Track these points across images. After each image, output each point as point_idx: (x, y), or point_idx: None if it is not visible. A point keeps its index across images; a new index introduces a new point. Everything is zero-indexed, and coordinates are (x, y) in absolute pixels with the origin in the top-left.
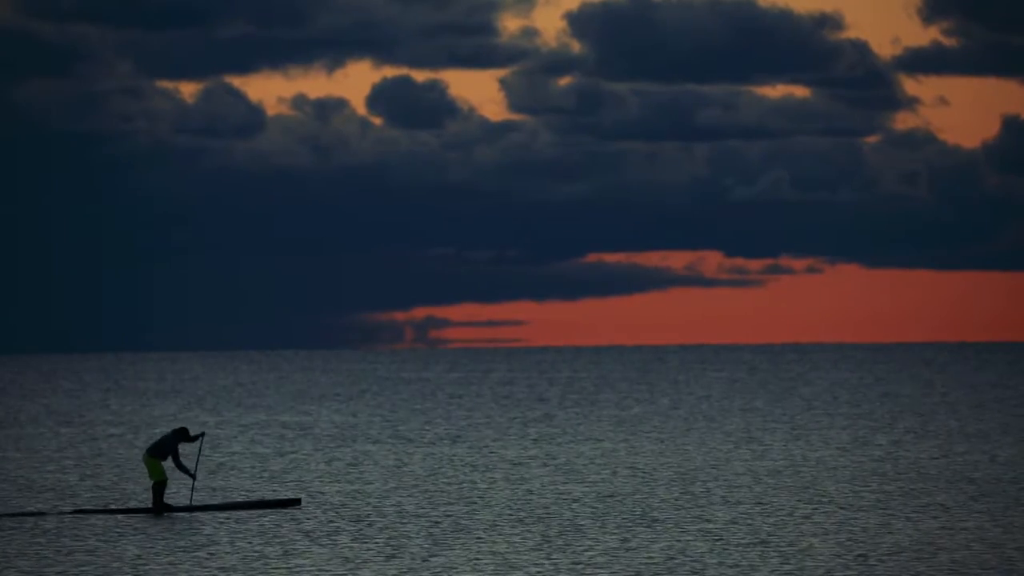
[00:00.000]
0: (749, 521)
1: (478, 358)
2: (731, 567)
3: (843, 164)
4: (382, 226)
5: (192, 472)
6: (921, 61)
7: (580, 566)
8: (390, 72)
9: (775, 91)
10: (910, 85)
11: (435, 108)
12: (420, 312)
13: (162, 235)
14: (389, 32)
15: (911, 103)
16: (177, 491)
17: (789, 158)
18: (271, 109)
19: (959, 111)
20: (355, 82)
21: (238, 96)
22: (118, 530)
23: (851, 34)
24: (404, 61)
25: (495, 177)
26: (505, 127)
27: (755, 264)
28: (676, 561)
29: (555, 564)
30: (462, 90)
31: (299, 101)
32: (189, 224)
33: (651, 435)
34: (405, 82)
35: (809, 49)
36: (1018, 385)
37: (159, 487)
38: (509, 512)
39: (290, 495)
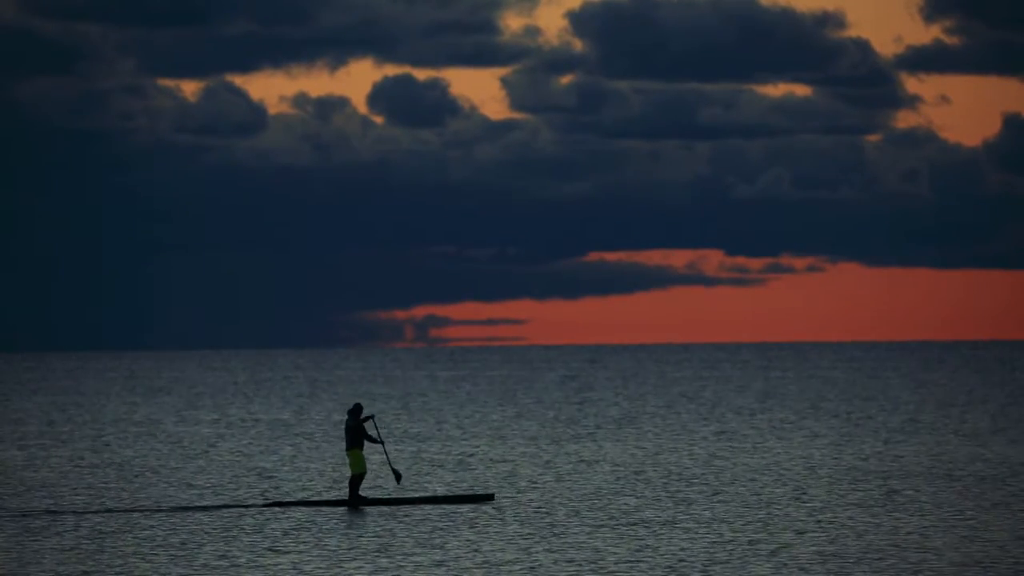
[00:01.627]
0: (737, 520)
1: (480, 357)
2: (717, 564)
3: (844, 163)
4: (383, 225)
5: (379, 439)
6: (923, 60)
7: (561, 563)
8: (391, 71)
9: (776, 90)
10: (911, 84)
11: (436, 107)
12: (421, 311)
13: (162, 234)
14: (391, 31)
15: (912, 102)
16: (372, 479)
17: (790, 157)
18: (272, 108)
19: (960, 109)
20: (356, 81)
21: (239, 95)
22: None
23: (853, 33)
24: (406, 60)
25: (496, 176)
26: (506, 126)
27: (756, 263)
28: (665, 559)
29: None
30: (463, 89)
31: (300, 100)
32: (189, 223)
33: (644, 433)
34: (406, 81)
35: (811, 48)
36: (1013, 383)
37: (355, 481)
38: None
39: (483, 490)
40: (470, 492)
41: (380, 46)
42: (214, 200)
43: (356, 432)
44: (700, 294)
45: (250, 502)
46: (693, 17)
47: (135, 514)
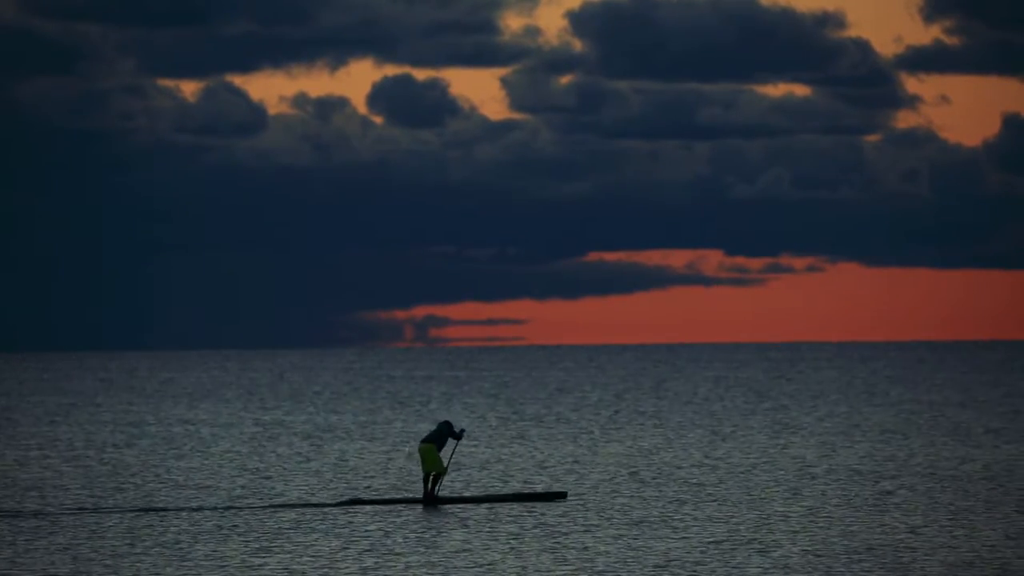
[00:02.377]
0: (722, 519)
1: (481, 357)
2: (710, 563)
3: (844, 163)
4: (383, 225)
5: (445, 465)
6: (923, 60)
7: (555, 563)
8: (391, 71)
9: (776, 90)
10: (911, 84)
11: (436, 107)
12: (420, 311)
13: (162, 234)
14: (391, 30)
15: (912, 102)
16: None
17: (790, 156)
18: (272, 108)
19: (960, 109)
20: (356, 81)
21: (239, 95)
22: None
23: (853, 33)
24: (406, 60)
25: (496, 176)
26: (506, 126)
27: (755, 263)
28: (649, 559)
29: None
30: (463, 89)
31: (300, 100)
32: (189, 223)
33: (639, 432)
34: (406, 81)
35: (811, 48)
36: (1008, 383)
37: (433, 479)
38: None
39: (557, 488)
40: (543, 490)
41: (380, 46)
42: (214, 200)
43: (439, 434)
44: (699, 294)
45: (317, 501)
46: (693, 17)
47: (134, 514)
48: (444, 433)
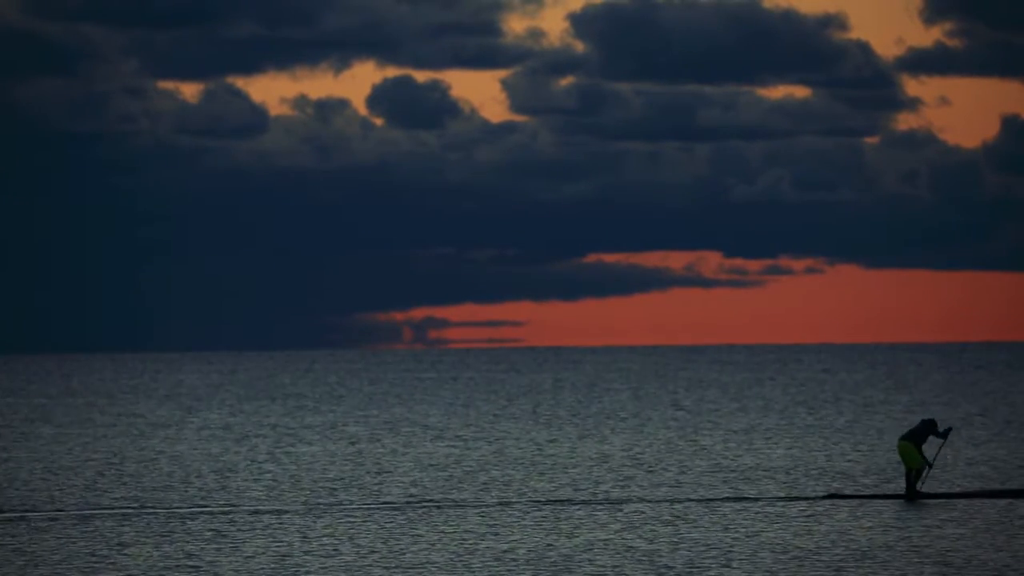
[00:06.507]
0: (685, 518)
1: (482, 358)
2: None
3: (844, 164)
4: (382, 226)
5: (930, 462)
6: (923, 62)
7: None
8: (392, 72)
9: (777, 92)
10: (912, 86)
11: (436, 108)
12: (419, 312)
13: (163, 235)
14: (394, 32)
15: (913, 103)
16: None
17: (790, 158)
18: (273, 109)
19: (959, 111)
20: (357, 82)
21: (240, 96)
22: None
23: (854, 35)
24: (408, 61)
25: (496, 177)
26: (506, 128)
27: (754, 264)
28: (632, 555)
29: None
30: (464, 91)
31: (301, 102)
32: (190, 224)
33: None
34: (406, 82)
35: (813, 50)
36: (1000, 384)
37: (914, 474)
38: None
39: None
40: None
41: (382, 48)
42: (214, 202)
43: (919, 432)
44: (699, 296)
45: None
46: (694, 19)
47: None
48: (924, 431)
